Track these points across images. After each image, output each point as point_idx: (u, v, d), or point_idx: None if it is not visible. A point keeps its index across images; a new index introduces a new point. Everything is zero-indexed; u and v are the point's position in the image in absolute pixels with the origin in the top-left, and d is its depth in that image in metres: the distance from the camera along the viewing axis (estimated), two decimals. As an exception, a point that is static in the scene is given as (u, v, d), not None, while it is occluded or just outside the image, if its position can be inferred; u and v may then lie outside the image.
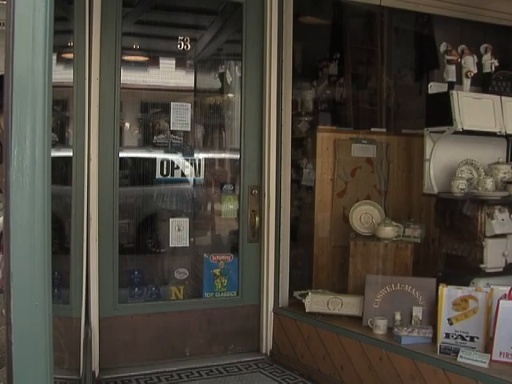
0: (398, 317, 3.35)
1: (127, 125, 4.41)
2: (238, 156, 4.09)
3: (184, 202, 4.20)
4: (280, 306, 3.96)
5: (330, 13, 5.41)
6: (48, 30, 1.35)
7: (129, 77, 3.95)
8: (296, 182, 4.45)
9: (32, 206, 1.35)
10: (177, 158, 4.00)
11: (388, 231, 3.75)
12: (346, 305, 3.63)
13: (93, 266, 3.51)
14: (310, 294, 3.75)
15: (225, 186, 4.18)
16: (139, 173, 4.14)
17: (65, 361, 3.26)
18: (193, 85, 4.57)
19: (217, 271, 4.00)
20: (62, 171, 3.80)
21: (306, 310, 3.70)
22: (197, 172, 4.09)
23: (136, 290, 3.90)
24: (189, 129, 3.99)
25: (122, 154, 3.77)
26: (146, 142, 4.48)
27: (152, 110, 4.41)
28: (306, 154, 4.79)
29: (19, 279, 1.35)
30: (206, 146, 4.48)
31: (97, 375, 3.52)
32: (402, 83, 5.28)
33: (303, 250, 4.39)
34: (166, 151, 4.05)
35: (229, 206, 4.13)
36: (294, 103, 4.66)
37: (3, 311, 1.37)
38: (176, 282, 4.00)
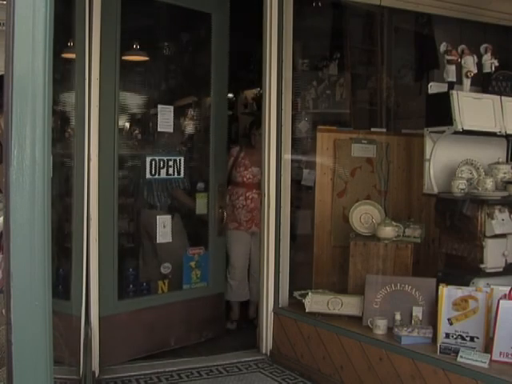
0: (398, 317, 3.35)
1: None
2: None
3: (169, 200, 4.34)
4: (280, 305, 3.96)
5: (330, 13, 5.41)
6: (48, 30, 1.35)
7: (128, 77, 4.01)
8: (296, 182, 4.46)
9: (32, 206, 1.35)
10: (167, 158, 4.04)
11: (388, 231, 3.75)
12: (346, 305, 3.62)
13: (93, 266, 3.51)
14: (309, 293, 3.75)
15: (199, 184, 4.38)
16: (132, 172, 4.24)
17: (65, 361, 3.26)
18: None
19: (192, 264, 4.22)
20: (62, 171, 3.82)
21: (306, 310, 3.70)
22: (183, 171, 4.17)
23: (131, 286, 3.99)
24: (171, 130, 4.09)
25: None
26: (138, 142, 4.56)
27: (143, 111, 4.52)
28: (306, 153, 4.79)
29: (19, 279, 1.35)
30: (195, 146, 4.56)
31: (97, 375, 3.52)
32: (402, 83, 5.28)
33: (303, 249, 4.39)
34: (157, 151, 4.21)
35: (202, 203, 4.30)
36: (294, 103, 4.67)
37: (3, 311, 1.37)
38: (162, 276, 4.14)
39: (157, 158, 3.97)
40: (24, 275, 1.35)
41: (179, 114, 4.39)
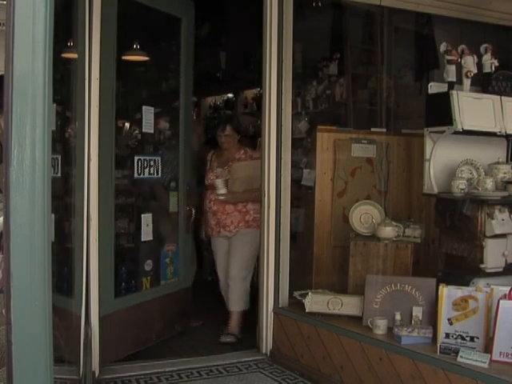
0: (398, 317, 3.35)
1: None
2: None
3: (152, 199, 4.48)
4: (280, 306, 3.96)
5: (330, 13, 5.42)
6: (48, 30, 1.35)
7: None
8: (296, 182, 4.46)
9: (32, 206, 1.35)
10: (152, 158, 4.09)
11: (388, 231, 3.74)
12: (346, 305, 3.62)
13: (93, 265, 3.50)
14: (309, 293, 3.75)
15: (171, 183, 4.50)
16: (123, 173, 4.25)
17: (65, 361, 3.26)
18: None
19: (167, 260, 4.34)
20: (62, 172, 3.82)
21: (306, 310, 3.70)
22: (168, 171, 4.31)
23: (123, 284, 4.04)
24: (152, 131, 4.20)
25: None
26: (139, 142, 4.59)
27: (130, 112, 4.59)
28: (306, 153, 4.79)
29: (19, 279, 1.35)
30: (171, 146, 4.67)
31: (97, 375, 3.52)
32: (402, 83, 5.28)
33: (303, 250, 4.39)
34: (143, 151, 4.34)
35: (174, 201, 4.44)
36: (294, 103, 4.67)
37: (3, 311, 1.37)
38: (145, 273, 4.22)
39: (142, 158, 4.02)
40: (24, 275, 1.35)
41: (159, 115, 4.43)
